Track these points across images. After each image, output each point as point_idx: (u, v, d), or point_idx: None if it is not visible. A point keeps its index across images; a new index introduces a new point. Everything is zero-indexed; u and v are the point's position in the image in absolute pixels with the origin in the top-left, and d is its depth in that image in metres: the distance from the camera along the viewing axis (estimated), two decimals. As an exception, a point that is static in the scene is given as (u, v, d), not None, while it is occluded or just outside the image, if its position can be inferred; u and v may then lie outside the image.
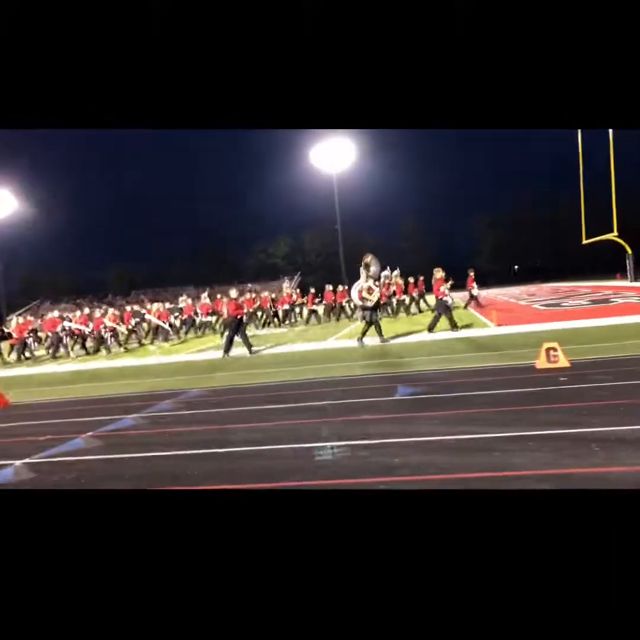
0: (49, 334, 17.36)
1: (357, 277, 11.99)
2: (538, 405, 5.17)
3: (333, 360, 9.95)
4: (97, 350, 16.36)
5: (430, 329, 12.44)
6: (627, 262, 30.08)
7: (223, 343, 12.79)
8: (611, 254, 34.12)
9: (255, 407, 6.47)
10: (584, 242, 32.29)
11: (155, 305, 19.34)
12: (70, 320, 18.27)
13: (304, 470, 3.97)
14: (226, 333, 12.99)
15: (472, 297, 19.28)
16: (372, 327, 11.73)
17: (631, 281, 28.99)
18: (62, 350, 16.97)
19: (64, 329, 17.22)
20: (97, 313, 17.46)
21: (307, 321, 21.59)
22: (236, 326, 12.29)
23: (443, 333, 12.22)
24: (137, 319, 19.01)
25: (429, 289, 21.63)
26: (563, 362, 6.91)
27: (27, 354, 17.12)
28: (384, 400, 6.14)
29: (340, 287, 21.54)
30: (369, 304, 11.62)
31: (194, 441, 5.11)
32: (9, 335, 17.64)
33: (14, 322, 17.80)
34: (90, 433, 5.81)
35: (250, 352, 12.17)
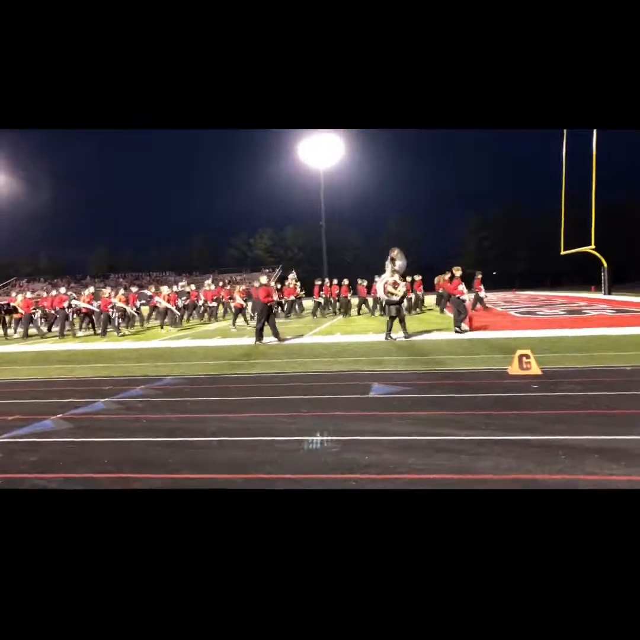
0: (55, 311, 16.96)
1: (339, 274, 11.99)
2: (508, 410, 5.27)
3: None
4: (104, 331, 15.81)
5: (459, 326, 12.47)
6: (602, 275, 30.65)
7: (255, 330, 12.44)
8: (591, 266, 34.73)
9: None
10: (562, 253, 32.83)
11: (165, 289, 18.91)
12: (77, 298, 17.69)
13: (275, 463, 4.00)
14: (256, 320, 12.64)
15: (478, 299, 19.41)
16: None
17: (605, 294, 29.52)
18: (67, 328, 16.61)
19: (70, 307, 16.74)
20: (107, 292, 16.76)
21: (314, 313, 21.63)
22: (267, 313, 12.07)
23: (436, 333, 12.32)
24: (143, 301, 18.64)
25: (427, 288, 21.80)
26: (535, 369, 7.03)
27: (32, 330, 16.64)
28: (357, 397, 6.19)
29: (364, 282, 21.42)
30: (395, 298, 11.48)
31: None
32: (14, 310, 17.12)
33: (20, 298, 17.21)
34: (65, 414, 5.75)
35: (279, 339, 12.06)
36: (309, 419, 5.25)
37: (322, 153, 46.34)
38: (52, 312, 17.73)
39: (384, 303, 12.13)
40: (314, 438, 4.57)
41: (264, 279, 12.54)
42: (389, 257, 11.90)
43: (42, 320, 18.36)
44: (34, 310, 17.03)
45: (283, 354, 10.21)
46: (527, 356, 7.11)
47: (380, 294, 12.12)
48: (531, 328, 13.07)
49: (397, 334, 11.73)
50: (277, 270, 61.74)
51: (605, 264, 29.94)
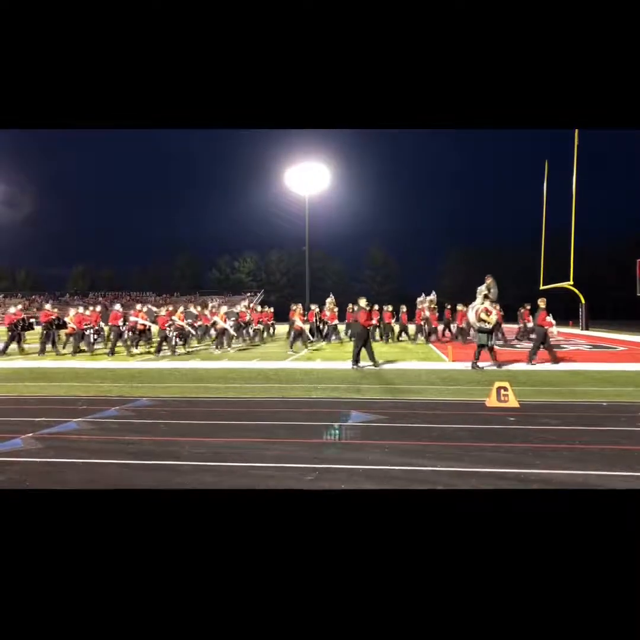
0: (110, 327, 16.27)
1: (320, 300, 11.92)
2: (485, 442, 5.26)
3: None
4: (159, 350, 15.26)
5: (531, 358, 12.17)
6: (580, 310, 31.17)
7: (352, 354, 11.87)
8: (568, 301, 35.35)
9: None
10: (541, 287, 33.38)
11: (223, 308, 18.22)
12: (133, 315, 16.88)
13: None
14: (354, 344, 12.08)
15: (527, 330, 19.52)
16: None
17: (582, 329, 29.97)
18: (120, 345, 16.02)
19: (125, 324, 16.09)
20: (163, 311, 16.21)
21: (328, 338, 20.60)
22: (366, 337, 11.70)
23: (432, 363, 12.33)
24: (190, 320, 17.78)
25: (410, 319, 21.78)
26: (513, 402, 7.06)
27: (83, 347, 15.89)
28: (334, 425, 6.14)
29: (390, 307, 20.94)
30: (487, 326, 11.19)
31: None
32: (64, 325, 16.49)
33: (73, 312, 16.63)
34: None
35: (375, 364, 11.64)
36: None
37: (308, 181, 46.85)
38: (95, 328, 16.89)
39: (475, 330, 11.69)
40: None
41: (363, 302, 11.92)
42: (484, 285, 11.58)
43: (96, 336, 17.84)
44: (86, 326, 16.27)
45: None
46: (505, 388, 7.15)
47: (473, 321, 11.65)
48: (510, 360, 13.17)
49: (485, 363, 11.50)
50: (259, 294, 61.78)
51: (583, 300, 30.47)
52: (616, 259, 55.56)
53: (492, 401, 7.13)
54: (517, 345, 18.96)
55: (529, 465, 4.47)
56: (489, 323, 11.19)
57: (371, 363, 11.71)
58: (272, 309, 23.27)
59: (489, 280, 11.85)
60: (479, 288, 11.78)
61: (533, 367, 11.75)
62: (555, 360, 12.19)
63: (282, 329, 23.58)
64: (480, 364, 11.40)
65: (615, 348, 17.23)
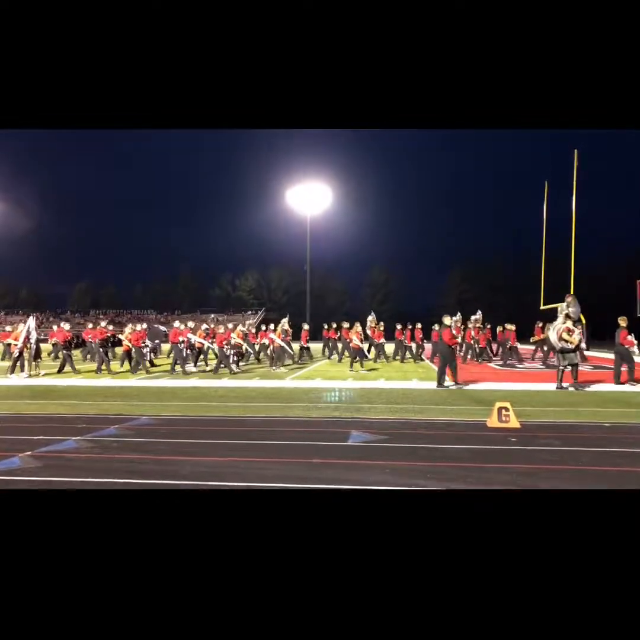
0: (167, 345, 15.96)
1: (321, 318, 11.81)
2: (487, 463, 5.22)
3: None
4: (217, 369, 15.11)
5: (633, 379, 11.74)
6: (582, 331, 31.26)
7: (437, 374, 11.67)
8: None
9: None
10: (542, 307, 33.42)
11: (286, 325, 17.58)
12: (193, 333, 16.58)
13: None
14: (440, 364, 11.77)
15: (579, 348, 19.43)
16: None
17: (583, 350, 29.98)
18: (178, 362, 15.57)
19: (183, 342, 15.77)
20: (222, 328, 16.00)
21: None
22: (451, 356, 11.49)
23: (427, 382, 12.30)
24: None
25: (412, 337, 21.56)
26: (514, 422, 7.02)
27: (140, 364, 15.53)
28: (335, 445, 6.10)
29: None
30: (570, 346, 10.86)
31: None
32: (119, 342, 16.12)
33: (128, 330, 16.13)
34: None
35: (456, 383, 11.39)
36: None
37: (310, 200, 47.15)
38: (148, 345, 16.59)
39: (557, 351, 11.28)
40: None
41: (448, 320, 11.58)
42: (565, 303, 11.25)
43: (153, 353, 17.41)
44: (143, 344, 16.01)
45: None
46: (506, 409, 7.11)
47: (554, 341, 11.19)
48: (511, 381, 13.13)
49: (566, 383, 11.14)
50: (260, 312, 61.82)
51: (583, 321, 30.50)
52: (617, 280, 55.66)
53: (493, 422, 7.09)
54: (519, 366, 18.92)
55: (532, 487, 4.43)
56: (571, 343, 10.89)
57: (452, 383, 11.43)
58: (307, 327, 22.24)
59: (570, 299, 11.41)
60: (559, 307, 11.34)
61: (535, 387, 11.70)
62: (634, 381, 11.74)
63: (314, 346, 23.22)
64: (564, 383, 10.98)
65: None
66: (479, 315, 20.11)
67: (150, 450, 5.80)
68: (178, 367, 15.37)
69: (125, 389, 11.63)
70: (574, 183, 27.61)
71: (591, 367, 17.70)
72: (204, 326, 18.28)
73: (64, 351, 15.71)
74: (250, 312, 60.60)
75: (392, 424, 7.39)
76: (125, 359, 16.23)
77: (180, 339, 15.60)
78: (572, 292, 28.19)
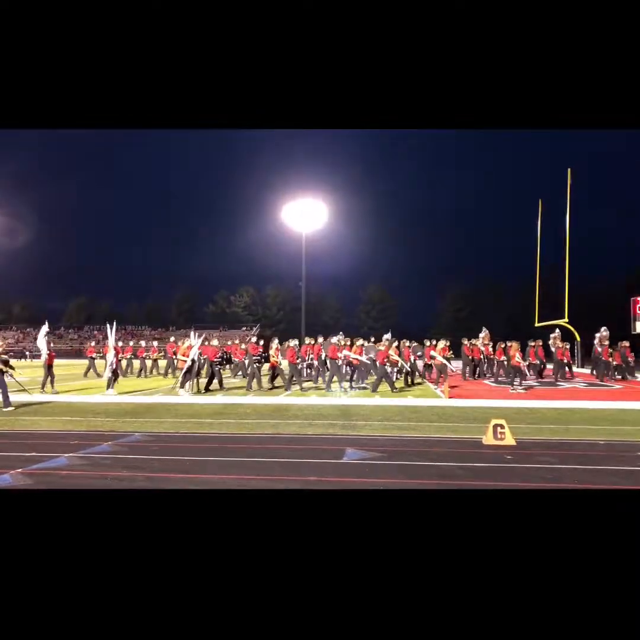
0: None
1: (316, 334, 11.85)
2: (482, 481, 5.19)
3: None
4: (288, 386, 14.85)
5: None
6: (575, 348, 31.23)
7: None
8: (563, 339, 35.51)
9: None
10: (536, 325, 33.52)
11: (359, 342, 16.64)
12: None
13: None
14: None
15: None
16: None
17: (577, 367, 29.97)
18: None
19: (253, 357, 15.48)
20: (291, 343, 15.59)
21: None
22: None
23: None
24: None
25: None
26: (509, 439, 7.00)
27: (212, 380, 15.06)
28: (330, 462, 6.06)
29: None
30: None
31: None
32: (230, 359, 16.22)
33: (275, 345, 15.47)
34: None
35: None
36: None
37: (305, 217, 47.38)
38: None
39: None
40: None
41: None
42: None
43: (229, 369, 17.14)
44: (216, 359, 15.45)
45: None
46: (502, 426, 7.10)
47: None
48: (506, 398, 13.12)
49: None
50: (255, 328, 61.81)
51: (577, 338, 30.57)
52: (611, 297, 55.98)
53: (488, 439, 7.07)
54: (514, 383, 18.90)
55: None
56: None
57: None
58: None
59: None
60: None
61: (530, 404, 11.70)
62: None
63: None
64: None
65: (611, 386, 17.20)
66: (484, 332, 20.18)
67: (143, 468, 5.74)
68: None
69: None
70: (568, 201, 27.90)
71: (586, 384, 17.71)
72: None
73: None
74: (245, 328, 60.55)
75: (388, 441, 7.36)
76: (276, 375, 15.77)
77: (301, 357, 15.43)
78: (565, 318, 28.38)
